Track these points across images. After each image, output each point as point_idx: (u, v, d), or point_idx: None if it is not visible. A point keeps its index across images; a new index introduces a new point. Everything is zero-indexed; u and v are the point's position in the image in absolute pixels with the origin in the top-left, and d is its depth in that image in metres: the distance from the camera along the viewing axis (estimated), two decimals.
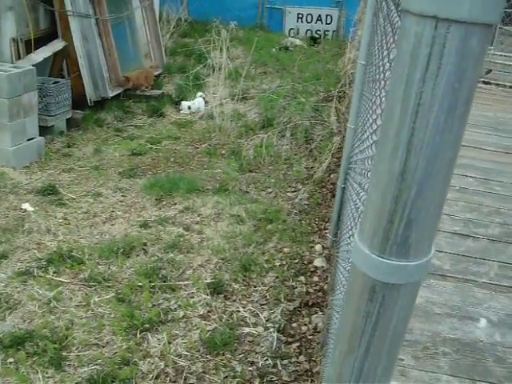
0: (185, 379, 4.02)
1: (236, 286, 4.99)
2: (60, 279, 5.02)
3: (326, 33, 14.48)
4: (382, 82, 2.18)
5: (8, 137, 7.36)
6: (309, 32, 14.48)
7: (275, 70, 11.53)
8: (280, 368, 4.15)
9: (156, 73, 10.63)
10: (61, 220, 6.06)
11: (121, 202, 6.47)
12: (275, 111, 9.00)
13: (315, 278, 5.17)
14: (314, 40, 14.01)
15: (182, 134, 8.74)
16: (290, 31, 14.68)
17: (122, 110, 9.49)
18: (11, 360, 4.14)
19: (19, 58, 8.40)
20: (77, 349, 4.27)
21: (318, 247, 5.61)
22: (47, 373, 4.04)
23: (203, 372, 4.08)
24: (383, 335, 1.05)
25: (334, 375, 1.15)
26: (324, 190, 6.87)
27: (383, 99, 2.03)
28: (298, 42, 13.42)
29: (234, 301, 4.83)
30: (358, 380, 1.10)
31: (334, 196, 6.35)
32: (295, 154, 7.85)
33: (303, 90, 9.80)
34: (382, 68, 2.37)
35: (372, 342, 1.06)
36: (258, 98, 9.82)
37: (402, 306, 1.02)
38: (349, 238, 3.14)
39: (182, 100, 9.85)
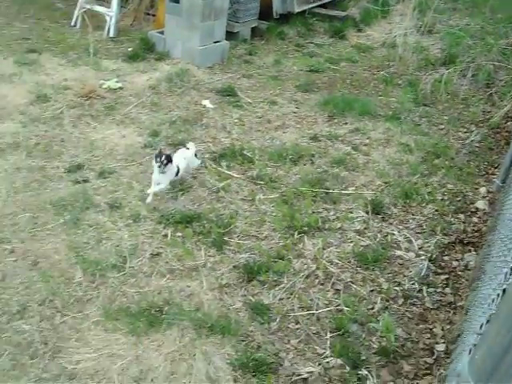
0: (332, 284, 4.20)
1: (395, 210, 5.04)
2: (230, 173, 5.33)
3: None
4: None
5: (197, 37, 7.71)
6: None
7: (465, 7, 11.01)
8: (425, 294, 4.19)
9: None
10: (236, 120, 6.36)
11: (294, 113, 6.65)
12: (460, 49, 8.64)
13: (474, 219, 5.08)
14: None
15: (360, 58, 8.69)
16: None
17: (304, 27, 9.57)
18: (179, 234, 4.54)
19: None
20: (237, 236, 4.57)
21: (482, 190, 5.47)
22: (209, 251, 4.39)
23: (351, 282, 4.23)
24: None
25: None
26: (498, 136, 6.62)
27: None
28: None
29: (391, 224, 4.89)
30: None
31: (507, 143, 6.12)
32: (473, 96, 7.56)
33: (493, 32, 9.29)
34: None
35: None
36: (444, 33, 9.46)
37: None
38: None
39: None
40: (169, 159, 4.78)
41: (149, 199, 4.88)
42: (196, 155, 5.29)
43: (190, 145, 5.29)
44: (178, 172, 4.97)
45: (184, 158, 5.07)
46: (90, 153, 5.57)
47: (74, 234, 4.50)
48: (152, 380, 3.39)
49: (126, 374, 3.42)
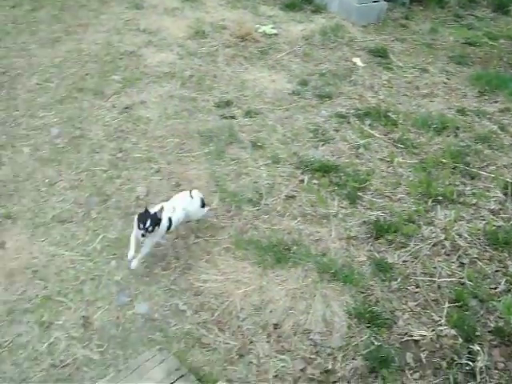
0: (458, 257, 4.18)
1: None
2: (372, 132, 5.37)
3: None
4: None
5: None
6: None
7: None
8: None
9: None
10: (385, 82, 6.34)
11: (444, 83, 6.52)
12: None
13: None
14: None
15: None
16: None
17: None
18: (315, 182, 4.67)
19: None
20: (371, 194, 4.64)
21: None
22: (342, 203, 4.50)
23: (477, 258, 4.19)
24: None
25: None
26: None
27: None
28: None
29: None
30: None
31: None
32: None
33: None
34: None
35: None
36: None
37: None
38: None
39: None
40: (156, 222, 3.61)
41: (134, 264, 3.69)
42: (203, 204, 4.07)
43: (195, 193, 4.04)
44: (169, 226, 3.80)
45: (183, 208, 3.89)
46: (240, 92, 5.79)
47: (216, 164, 4.74)
48: (271, 311, 3.58)
49: (248, 300, 3.63)
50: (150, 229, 3.54)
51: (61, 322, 3.47)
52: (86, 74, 5.99)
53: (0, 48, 6.54)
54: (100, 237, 4.05)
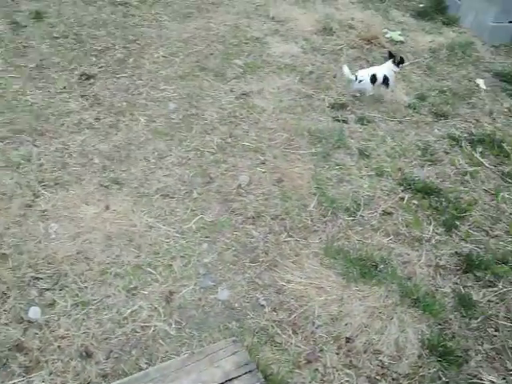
0: None
1: None
2: (482, 160, 5.25)
3: None
4: None
5: (494, 11, 7.42)
6: None
7: None
8: None
9: None
10: (505, 109, 6.13)
11: None
12: None
13: None
14: None
15: None
16: None
17: None
18: (415, 202, 4.64)
19: None
20: (469, 225, 4.55)
21: None
22: (437, 229, 4.45)
23: None
24: None
25: None
26: None
27: None
28: None
29: None
30: None
31: None
32: None
33: None
34: None
35: None
36: None
37: None
38: None
39: None
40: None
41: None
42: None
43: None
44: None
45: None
46: (356, 96, 5.78)
47: (320, 166, 4.81)
48: (346, 324, 3.62)
49: (326, 309, 3.69)
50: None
51: (146, 293, 3.66)
52: (211, 54, 6.17)
53: (135, 16, 6.83)
54: (197, 218, 4.22)
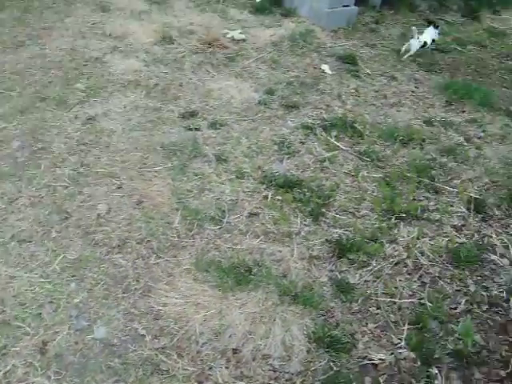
0: (420, 276, 4.18)
1: (497, 212, 4.91)
2: (338, 144, 5.34)
3: None
4: None
5: None
6: None
7: None
8: (511, 305, 4.11)
9: None
10: (352, 90, 6.32)
11: (412, 92, 6.53)
12: None
13: None
14: None
15: (490, 43, 8.33)
16: None
17: (437, 1, 9.26)
18: (279, 198, 4.63)
19: None
20: (335, 210, 4.61)
21: None
22: (305, 220, 4.46)
23: (438, 277, 4.19)
24: None
25: None
26: None
27: None
28: None
29: (490, 225, 4.77)
30: None
31: None
32: None
33: None
34: None
35: None
36: None
37: None
38: None
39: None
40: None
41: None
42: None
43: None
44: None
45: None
46: (205, 102, 5.72)
47: (179, 179, 4.68)
48: (230, 336, 3.53)
49: (207, 325, 3.58)
50: None
51: (18, 349, 3.38)
52: (50, 82, 5.87)
53: None
54: (60, 258, 3.97)
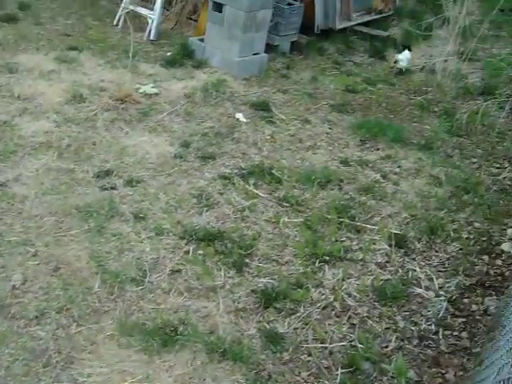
0: (349, 318, 4.18)
1: (418, 246, 4.99)
2: (257, 192, 5.34)
3: None
4: None
5: (237, 47, 7.73)
6: None
7: (510, 36, 10.86)
8: (440, 337, 4.15)
9: (386, 14, 10.48)
10: (268, 137, 6.36)
11: (327, 133, 6.62)
12: (500, 80, 8.53)
13: (498, 262, 5.00)
14: None
15: (398, 81, 8.58)
16: None
17: (344, 45, 9.49)
18: (201, 252, 4.56)
19: None
20: (258, 259, 4.58)
21: (510, 231, 5.38)
22: (229, 273, 4.40)
23: (367, 317, 4.21)
24: None
25: None
26: None
27: None
28: None
29: (414, 259, 4.85)
30: None
31: None
32: (509, 130, 7.44)
33: None
34: None
35: None
36: (485, 62, 9.34)
37: None
38: None
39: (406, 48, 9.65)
40: None
41: None
42: None
43: None
44: None
45: None
46: (120, 159, 5.61)
47: (97, 242, 4.54)
48: None
49: None
50: None
51: None
52: None
53: None
54: None
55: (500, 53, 9.79)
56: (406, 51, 8.84)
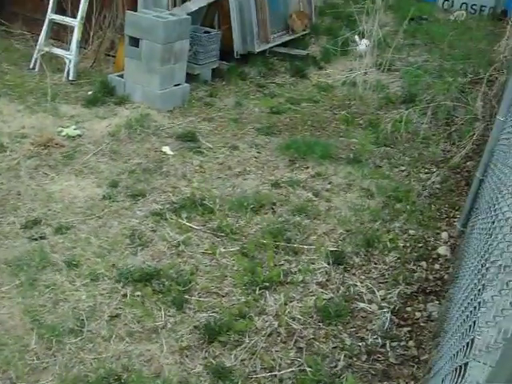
0: (295, 342, 4.15)
1: (357, 260, 5.03)
2: (190, 225, 5.27)
3: (483, 8, 13.75)
4: None
5: (157, 80, 7.69)
6: (464, 6, 13.84)
7: (424, 43, 11.21)
8: (388, 349, 4.17)
9: (304, 32, 10.65)
10: (197, 167, 6.31)
11: (255, 158, 6.63)
12: (419, 87, 8.76)
13: (436, 266, 5.10)
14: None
15: (321, 97, 8.72)
16: (443, 3, 14.15)
17: (265, 67, 9.58)
18: (139, 293, 4.45)
19: (175, 5, 8.71)
20: (198, 294, 4.50)
21: (444, 235, 5.50)
22: (169, 311, 4.31)
23: (313, 338, 4.19)
24: None
25: None
26: (458, 176, 6.68)
27: None
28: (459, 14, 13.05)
29: (354, 274, 4.87)
30: None
31: (467, 184, 6.19)
32: (433, 135, 7.63)
33: (451, 69, 9.46)
34: None
35: None
36: (403, 71, 9.59)
37: None
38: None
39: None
40: None
41: None
42: None
43: None
44: None
45: None
46: (47, 206, 5.44)
47: (29, 296, 4.37)
48: None
49: None
50: None
51: None
52: None
53: None
54: None
55: (416, 60, 10.09)
56: (364, 39, 9.87)
